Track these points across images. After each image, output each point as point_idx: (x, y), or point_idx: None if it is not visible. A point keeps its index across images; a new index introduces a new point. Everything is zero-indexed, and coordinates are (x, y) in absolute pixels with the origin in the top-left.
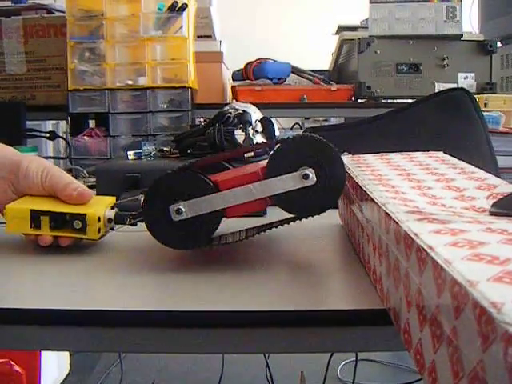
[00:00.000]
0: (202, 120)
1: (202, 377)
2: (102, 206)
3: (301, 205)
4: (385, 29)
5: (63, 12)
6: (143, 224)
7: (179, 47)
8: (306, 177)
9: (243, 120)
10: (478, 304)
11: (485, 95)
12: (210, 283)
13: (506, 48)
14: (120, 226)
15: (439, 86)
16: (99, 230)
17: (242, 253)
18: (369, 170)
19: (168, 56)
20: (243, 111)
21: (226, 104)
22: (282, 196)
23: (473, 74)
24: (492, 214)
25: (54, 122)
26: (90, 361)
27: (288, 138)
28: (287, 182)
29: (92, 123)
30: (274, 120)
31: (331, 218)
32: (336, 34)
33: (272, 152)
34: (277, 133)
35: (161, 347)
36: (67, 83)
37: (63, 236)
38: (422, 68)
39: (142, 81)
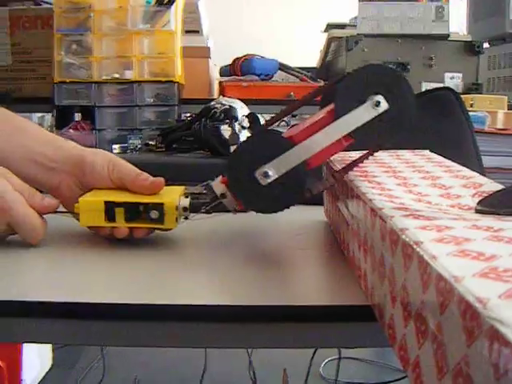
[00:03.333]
0: (188, 115)
1: (185, 373)
2: (175, 195)
3: (378, 134)
4: (373, 27)
5: (50, 4)
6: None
7: (167, 41)
8: (377, 104)
9: (230, 115)
10: (463, 299)
11: (471, 95)
12: (193, 278)
13: (493, 49)
14: (194, 214)
15: (426, 86)
16: (176, 219)
17: (226, 248)
18: (347, 158)
19: (155, 50)
20: (230, 106)
21: (213, 99)
22: (359, 130)
23: (460, 74)
24: (478, 211)
25: (40, 114)
26: (72, 355)
27: (348, 73)
28: (361, 114)
29: (78, 116)
30: (260, 116)
31: (316, 214)
32: (324, 31)
33: (336, 91)
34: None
35: (142, 341)
36: (53, 75)
37: (139, 227)
38: (409, 67)
39: (129, 74)
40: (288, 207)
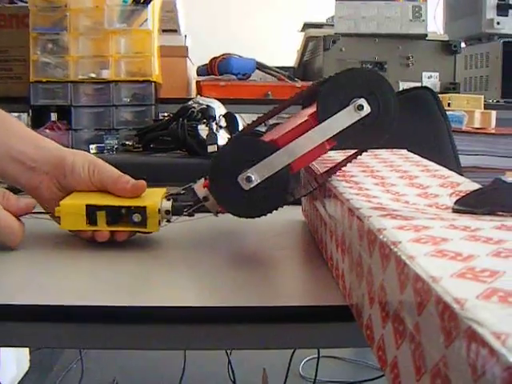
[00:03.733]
0: (165, 114)
1: (164, 374)
2: (157, 198)
3: (361, 137)
4: (350, 27)
5: (26, 2)
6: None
7: (144, 41)
8: (360, 108)
9: (207, 115)
10: (441, 300)
11: (448, 95)
12: (173, 279)
13: (470, 49)
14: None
15: (403, 85)
16: (159, 223)
17: (206, 249)
18: (332, 165)
19: (132, 49)
20: (207, 106)
21: (190, 99)
22: (342, 133)
23: (437, 74)
24: (455, 211)
25: (16, 114)
26: (50, 358)
27: (330, 77)
28: (344, 118)
29: (54, 116)
30: (238, 116)
31: (294, 214)
32: (302, 31)
33: (318, 94)
34: (240, 128)
35: (121, 343)
36: (29, 75)
37: (121, 231)
38: (386, 66)
39: (106, 74)
40: (271, 212)
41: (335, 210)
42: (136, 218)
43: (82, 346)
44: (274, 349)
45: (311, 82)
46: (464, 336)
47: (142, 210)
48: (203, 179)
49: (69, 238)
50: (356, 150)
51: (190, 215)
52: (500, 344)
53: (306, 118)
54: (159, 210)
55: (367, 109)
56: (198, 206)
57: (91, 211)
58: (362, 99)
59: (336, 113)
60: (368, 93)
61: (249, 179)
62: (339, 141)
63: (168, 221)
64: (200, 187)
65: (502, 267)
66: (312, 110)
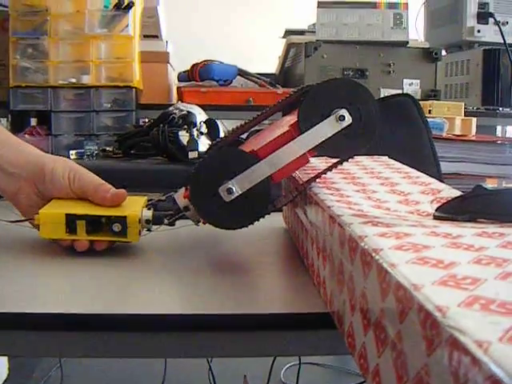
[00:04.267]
0: (146, 120)
1: (144, 381)
2: (137, 207)
3: (343, 147)
4: (332, 33)
5: (6, 6)
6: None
7: (124, 46)
8: (342, 118)
9: (188, 121)
10: (422, 308)
11: (429, 102)
12: (152, 287)
13: (451, 56)
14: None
15: (384, 92)
16: (139, 232)
17: (186, 256)
18: (313, 173)
19: (113, 55)
20: (188, 112)
21: (171, 105)
22: (323, 144)
23: (418, 81)
24: (436, 218)
25: None
26: (29, 365)
27: (312, 86)
28: (325, 129)
29: (34, 121)
30: (219, 122)
31: (275, 220)
32: (283, 37)
33: (300, 104)
34: (221, 135)
35: (100, 351)
36: (9, 80)
37: (100, 240)
38: (367, 73)
39: (86, 79)
40: (252, 223)
41: (316, 217)
42: (116, 227)
43: (60, 354)
44: (254, 356)
45: (292, 90)
46: (446, 344)
47: (122, 220)
48: (184, 189)
49: (48, 245)
50: (338, 160)
51: (171, 224)
52: (482, 352)
53: (287, 128)
54: (139, 219)
55: (348, 119)
56: (179, 216)
57: (71, 220)
58: (344, 109)
59: (317, 123)
60: (349, 103)
61: (230, 191)
62: (321, 151)
63: (149, 230)
64: (181, 197)
65: (484, 275)
66: (293, 118)
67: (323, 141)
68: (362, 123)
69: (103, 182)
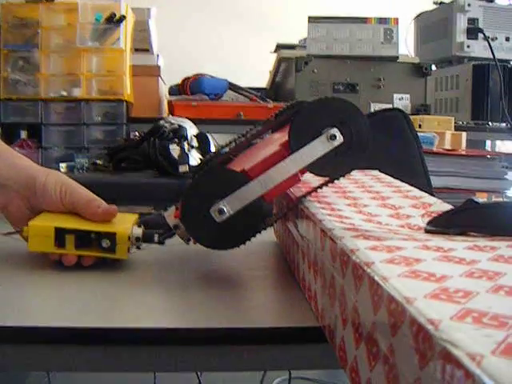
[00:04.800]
0: (137, 134)
1: None
2: (128, 224)
3: (334, 166)
4: (322, 48)
5: None
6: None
7: (116, 59)
8: (333, 137)
9: (178, 134)
10: (415, 321)
11: (419, 116)
12: (140, 300)
13: (441, 71)
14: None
15: (375, 106)
16: (128, 249)
17: (176, 269)
18: (304, 187)
19: (104, 68)
20: (179, 126)
21: (162, 118)
22: (314, 163)
23: (408, 96)
24: (427, 231)
25: None
26: (16, 378)
27: (303, 105)
28: (317, 148)
29: (24, 134)
30: (209, 136)
31: (266, 234)
32: (274, 52)
33: (291, 124)
34: (212, 148)
35: (89, 365)
36: None
37: (88, 255)
38: (358, 88)
39: (77, 92)
40: (244, 243)
41: (308, 231)
42: (105, 243)
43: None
44: (245, 370)
45: (282, 106)
46: (439, 357)
47: (111, 236)
48: (174, 208)
49: (37, 257)
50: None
51: (161, 243)
52: (475, 365)
53: (277, 147)
54: (129, 236)
55: (340, 138)
56: (169, 234)
57: (60, 234)
58: (335, 129)
59: (308, 143)
60: (340, 122)
61: (221, 211)
62: (312, 170)
63: (138, 247)
64: (171, 216)
65: (476, 288)
66: (283, 136)
67: (314, 160)
68: (353, 142)
69: (95, 197)
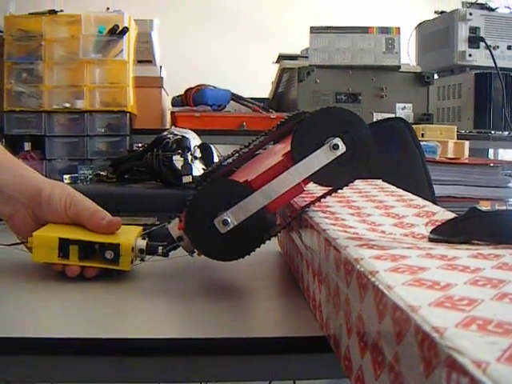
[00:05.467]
0: (140, 145)
1: None
2: (132, 236)
3: (337, 175)
4: (325, 58)
5: (1, 31)
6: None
7: (119, 71)
8: (335, 147)
9: (182, 145)
10: (420, 329)
11: (422, 125)
12: (144, 311)
13: (442, 80)
14: (150, 256)
15: (377, 116)
16: (132, 261)
17: (179, 279)
18: (308, 196)
19: (107, 79)
20: (182, 137)
21: (165, 129)
22: (317, 173)
23: (410, 105)
24: (431, 240)
25: None
26: None
27: (305, 115)
28: (319, 158)
29: (28, 146)
30: (212, 146)
31: (270, 245)
32: (276, 62)
33: (293, 134)
34: (215, 159)
35: (94, 376)
36: (3, 104)
37: (91, 267)
38: (360, 98)
39: (80, 104)
40: (249, 254)
41: (311, 241)
42: (108, 254)
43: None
44: (249, 380)
45: (285, 115)
46: (444, 365)
47: (115, 247)
48: (177, 219)
49: (41, 268)
50: (333, 188)
51: (165, 255)
52: (481, 372)
53: (280, 158)
54: (133, 248)
55: (342, 148)
56: (173, 246)
57: (64, 245)
58: (337, 138)
59: (311, 153)
60: (343, 132)
61: (225, 222)
62: (315, 180)
63: (142, 259)
64: (174, 228)
65: (480, 295)
66: (285, 147)
67: (317, 170)
68: (355, 151)
69: (99, 208)
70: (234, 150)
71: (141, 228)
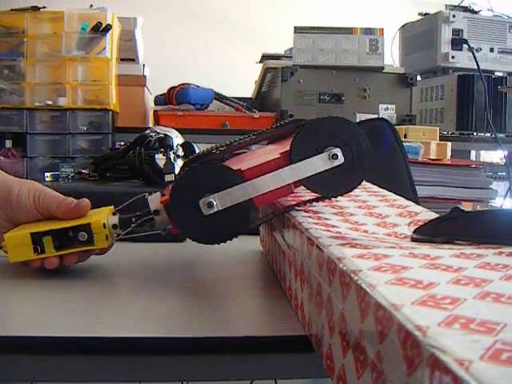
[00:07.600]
0: (122, 143)
1: None
2: (103, 214)
3: (329, 185)
4: (308, 58)
5: None
6: None
7: (101, 68)
8: (334, 157)
9: (164, 144)
10: (403, 328)
11: (404, 126)
12: (125, 309)
13: (426, 82)
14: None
15: (360, 117)
16: (107, 237)
17: (160, 278)
18: (291, 196)
19: (90, 77)
20: (165, 135)
21: (148, 128)
22: (311, 178)
23: (393, 106)
24: (414, 240)
25: None
26: None
27: (310, 120)
28: (316, 164)
29: (9, 143)
30: (195, 145)
31: (252, 244)
32: (260, 62)
33: (295, 135)
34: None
35: (72, 375)
36: None
37: (69, 254)
38: (344, 98)
39: (62, 101)
40: (230, 239)
41: (294, 240)
42: (82, 236)
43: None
44: (230, 380)
45: (268, 115)
46: (427, 364)
47: (86, 228)
48: (159, 193)
49: (18, 268)
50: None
51: (140, 226)
52: (464, 371)
53: (277, 155)
54: (104, 224)
55: (341, 159)
56: (147, 219)
57: (37, 238)
58: (338, 149)
59: (309, 157)
60: (344, 143)
61: (210, 204)
62: (307, 185)
63: (118, 235)
64: (155, 201)
65: (463, 294)
66: (283, 146)
67: (311, 175)
68: (353, 165)
69: (66, 197)
70: (225, 142)
71: (112, 207)
